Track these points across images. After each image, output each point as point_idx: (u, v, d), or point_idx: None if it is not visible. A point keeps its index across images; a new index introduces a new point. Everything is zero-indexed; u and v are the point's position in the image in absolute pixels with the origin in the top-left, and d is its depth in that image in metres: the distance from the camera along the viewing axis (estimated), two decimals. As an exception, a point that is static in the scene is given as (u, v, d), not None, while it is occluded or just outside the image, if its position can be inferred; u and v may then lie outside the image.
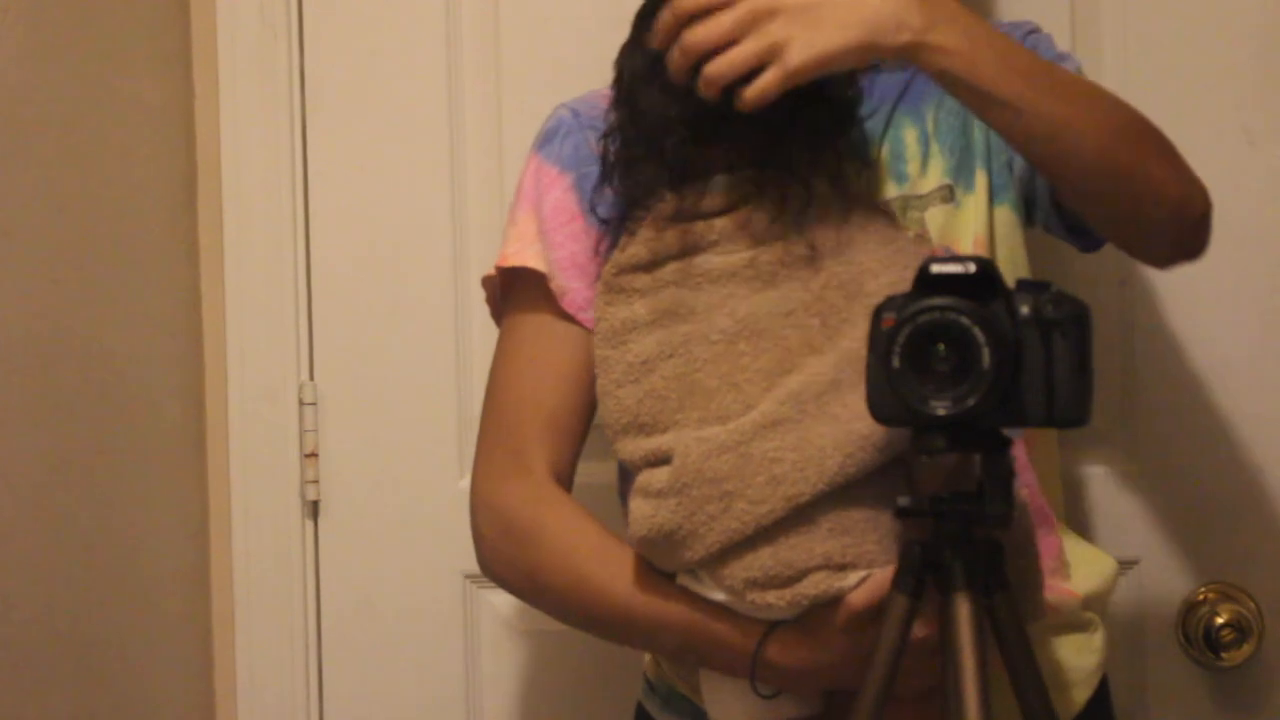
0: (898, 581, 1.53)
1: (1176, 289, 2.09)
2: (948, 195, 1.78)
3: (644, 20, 1.71)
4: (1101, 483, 2.09)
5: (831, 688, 1.67)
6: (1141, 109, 2.07)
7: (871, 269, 1.64)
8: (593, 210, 1.75)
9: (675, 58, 1.59)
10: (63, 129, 1.97)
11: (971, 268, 1.46)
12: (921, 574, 1.51)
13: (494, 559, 1.78)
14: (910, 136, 1.80)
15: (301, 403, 2.19)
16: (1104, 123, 1.63)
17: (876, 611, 1.58)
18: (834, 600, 1.61)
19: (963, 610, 1.49)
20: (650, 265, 1.69)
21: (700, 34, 1.57)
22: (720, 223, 1.66)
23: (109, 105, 2.07)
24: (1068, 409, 1.46)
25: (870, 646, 1.56)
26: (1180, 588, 2.11)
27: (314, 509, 2.20)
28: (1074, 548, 1.84)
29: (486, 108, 2.17)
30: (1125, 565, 2.11)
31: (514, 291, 1.82)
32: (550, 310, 1.78)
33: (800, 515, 1.60)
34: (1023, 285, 1.49)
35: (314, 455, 2.19)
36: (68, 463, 1.96)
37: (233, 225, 2.19)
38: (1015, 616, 1.53)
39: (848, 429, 1.59)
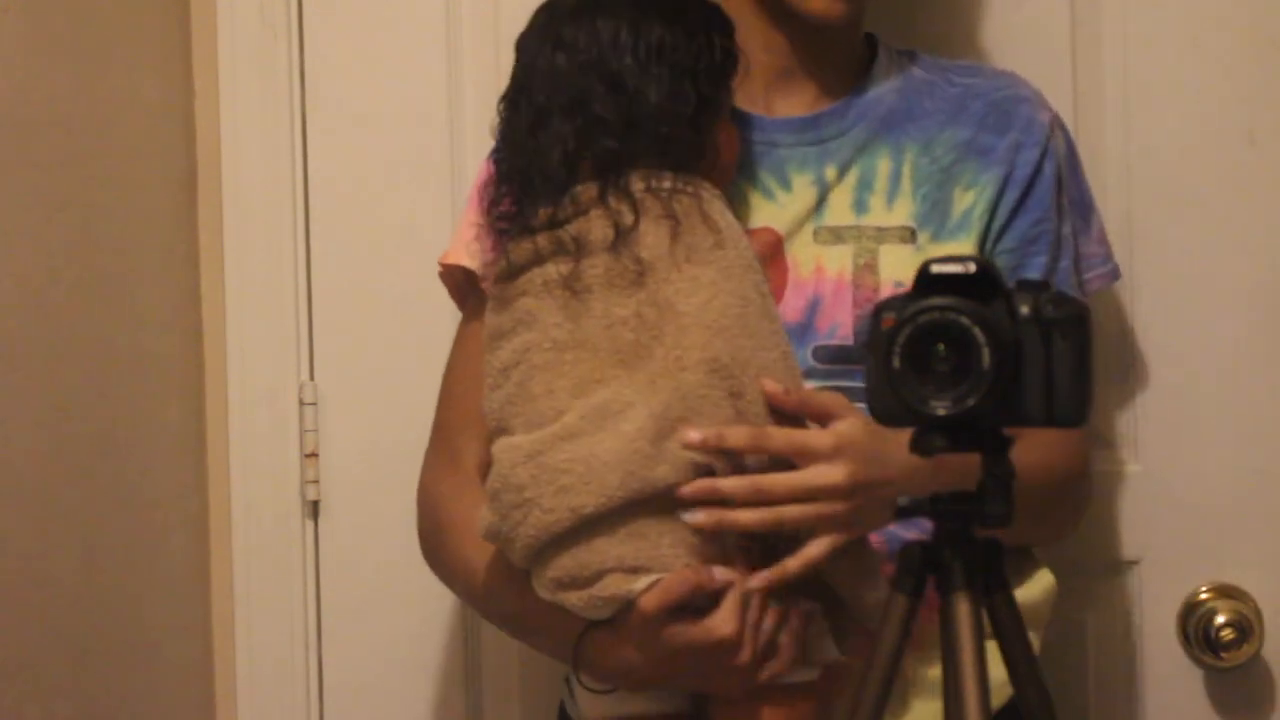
0: (898, 582, 1.53)
1: (1176, 289, 2.09)
2: (908, 237, 1.81)
3: (520, 46, 1.78)
4: (1101, 483, 2.08)
5: (657, 686, 1.72)
6: (1142, 109, 2.08)
7: (684, 289, 1.68)
8: (490, 224, 1.80)
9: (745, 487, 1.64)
10: (63, 128, 1.97)
11: (971, 268, 1.46)
12: (922, 574, 1.51)
13: (423, 548, 1.91)
14: (883, 168, 1.83)
15: (301, 403, 2.19)
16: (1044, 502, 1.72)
17: (669, 615, 1.64)
18: (628, 602, 1.65)
19: (963, 610, 1.49)
20: (510, 275, 1.74)
21: (783, 484, 1.63)
22: (559, 234, 1.71)
23: (109, 105, 2.07)
24: (1067, 409, 1.46)
25: (675, 648, 1.64)
26: (1180, 588, 2.11)
27: (314, 509, 2.20)
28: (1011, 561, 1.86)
29: (486, 108, 2.16)
30: (1125, 565, 2.11)
31: (464, 290, 1.90)
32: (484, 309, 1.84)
33: (599, 521, 1.65)
34: (1023, 285, 1.49)
35: (314, 455, 2.19)
36: (68, 462, 1.96)
37: (233, 225, 2.19)
38: (1015, 616, 1.53)
39: (632, 447, 1.64)
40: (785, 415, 1.67)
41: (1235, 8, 2.09)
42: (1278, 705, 2.11)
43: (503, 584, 1.76)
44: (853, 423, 1.64)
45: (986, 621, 1.51)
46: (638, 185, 1.70)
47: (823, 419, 1.66)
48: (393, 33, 2.20)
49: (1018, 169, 1.82)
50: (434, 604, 2.18)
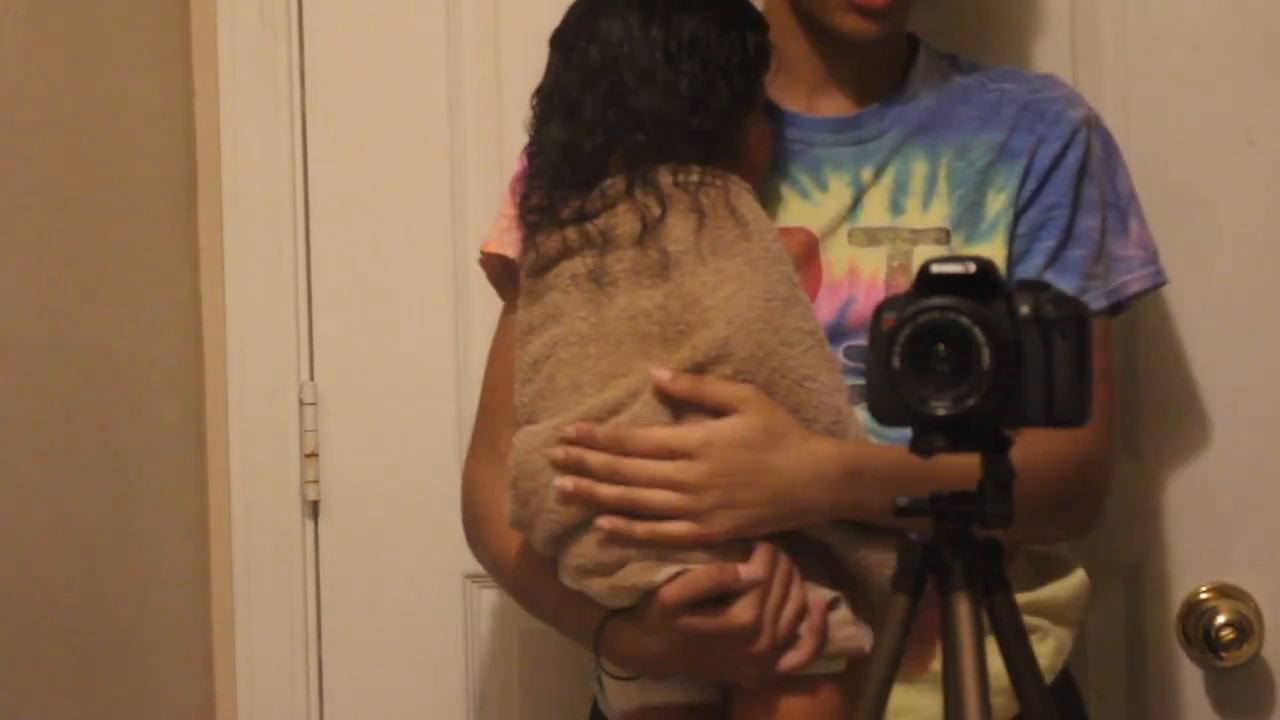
0: (898, 582, 1.53)
1: (1177, 288, 2.08)
2: (942, 239, 1.81)
3: (555, 41, 1.79)
4: (1101, 483, 2.08)
5: (678, 674, 1.73)
6: (1141, 109, 2.09)
7: (710, 282, 1.68)
8: (522, 219, 1.80)
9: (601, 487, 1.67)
10: (63, 128, 1.97)
11: (971, 268, 1.46)
12: (922, 574, 1.51)
13: (467, 537, 1.90)
14: (919, 171, 1.82)
15: (301, 403, 2.19)
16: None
17: (690, 606, 1.65)
18: (651, 591, 1.67)
19: (963, 610, 1.48)
20: (540, 270, 1.75)
21: (639, 467, 1.66)
22: (587, 228, 1.72)
23: (109, 104, 2.07)
24: (1067, 409, 1.46)
25: (693, 637, 1.66)
26: (1180, 588, 2.11)
27: (314, 509, 2.20)
28: (1041, 557, 1.87)
29: (486, 107, 2.17)
30: (1125, 565, 2.11)
31: (503, 279, 1.89)
32: None
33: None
34: (1023, 285, 1.49)
35: (314, 455, 2.19)
36: (68, 462, 1.96)
37: (233, 225, 2.19)
38: (1015, 616, 1.53)
39: None
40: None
41: (1235, 8, 2.09)
42: (1278, 705, 2.11)
43: (533, 572, 1.77)
44: (736, 422, 1.66)
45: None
46: (665, 178, 1.71)
47: (720, 411, 1.67)
48: (393, 33, 2.20)
49: (1037, 162, 1.81)
50: (434, 603, 2.18)
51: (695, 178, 1.71)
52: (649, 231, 1.69)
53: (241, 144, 2.19)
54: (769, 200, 1.84)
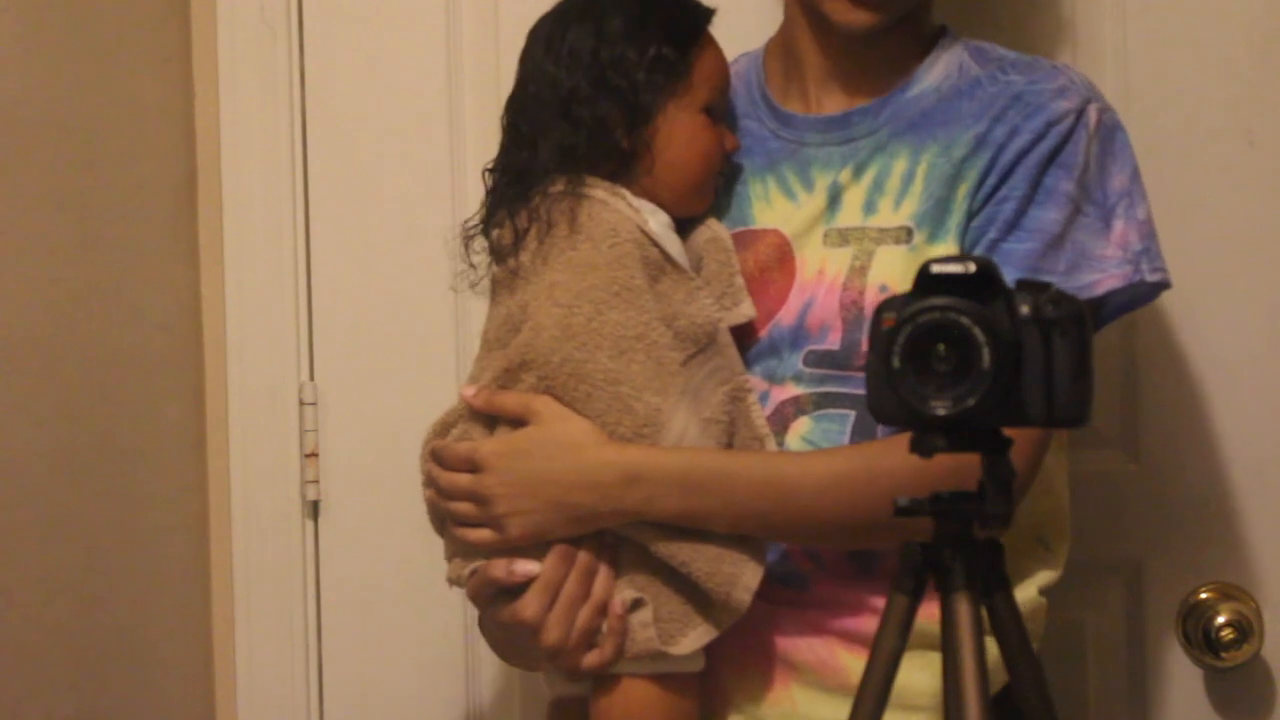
0: (898, 582, 1.53)
1: (1177, 288, 2.08)
2: (903, 237, 1.78)
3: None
4: (1101, 483, 2.08)
5: (530, 667, 1.85)
6: (1141, 109, 2.09)
7: (538, 291, 1.74)
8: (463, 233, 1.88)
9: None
10: (63, 129, 1.97)
11: (971, 268, 1.46)
12: (922, 574, 1.51)
13: None
14: (898, 169, 1.80)
15: (301, 403, 2.19)
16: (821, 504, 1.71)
17: (491, 597, 1.75)
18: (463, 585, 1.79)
19: (963, 610, 1.48)
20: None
21: (446, 480, 1.79)
22: (490, 242, 1.81)
23: (109, 105, 2.07)
24: (1068, 409, 1.46)
25: (506, 631, 1.76)
26: (1180, 588, 2.11)
27: (314, 509, 2.20)
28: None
29: (486, 108, 2.17)
30: (1125, 565, 2.11)
31: None
32: None
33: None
34: (1023, 285, 1.49)
35: (314, 455, 2.19)
36: (68, 462, 1.96)
37: (233, 225, 2.20)
38: (1015, 616, 1.53)
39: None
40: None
41: (1235, 8, 2.09)
42: (1278, 705, 2.11)
43: None
44: (522, 433, 1.74)
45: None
46: (536, 192, 1.76)
47: (518, 421, 1.75)
48: (393, 33, 2.20)
49: (1003, 155, 1.76)
50: (434, 603, 2.18)
51: (560, 188, 1.75)
52: (516, 244, 1.76)
53: (241, 144, 2.19)
54: (758, 201, 1.84)
